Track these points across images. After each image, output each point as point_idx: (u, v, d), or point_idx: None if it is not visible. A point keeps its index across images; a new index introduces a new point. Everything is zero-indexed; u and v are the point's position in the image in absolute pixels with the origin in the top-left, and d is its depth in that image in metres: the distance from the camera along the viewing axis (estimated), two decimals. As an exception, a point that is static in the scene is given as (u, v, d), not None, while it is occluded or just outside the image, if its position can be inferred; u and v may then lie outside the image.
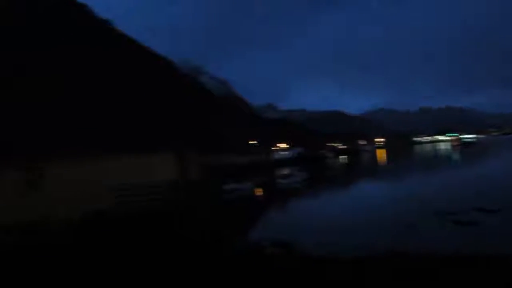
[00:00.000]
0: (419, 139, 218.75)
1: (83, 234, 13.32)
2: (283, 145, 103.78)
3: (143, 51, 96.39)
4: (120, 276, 7.97)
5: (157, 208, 24.13)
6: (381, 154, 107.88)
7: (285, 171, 54.41)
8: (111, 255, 9.87)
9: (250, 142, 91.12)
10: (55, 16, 73.31)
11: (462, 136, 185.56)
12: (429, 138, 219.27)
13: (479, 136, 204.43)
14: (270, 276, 7.88)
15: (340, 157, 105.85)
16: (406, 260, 8.60)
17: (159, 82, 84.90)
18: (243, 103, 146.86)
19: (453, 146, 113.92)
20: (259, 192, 32.04)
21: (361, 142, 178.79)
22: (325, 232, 14.16)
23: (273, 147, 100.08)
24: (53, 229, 13.55)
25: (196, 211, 23.99)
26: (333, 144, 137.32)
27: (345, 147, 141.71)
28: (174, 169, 42.58)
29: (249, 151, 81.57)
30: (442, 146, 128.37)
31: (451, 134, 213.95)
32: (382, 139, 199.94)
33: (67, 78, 57.63)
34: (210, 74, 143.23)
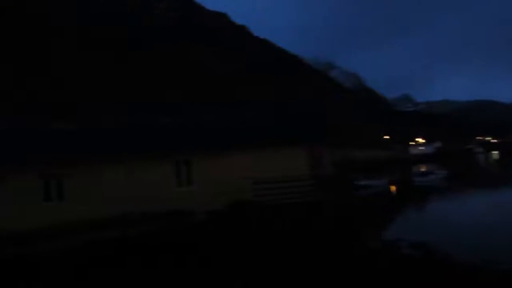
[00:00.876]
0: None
1: (227, 221, 14.97)
2: (421, 140, 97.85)
3: (275, 50, 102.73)
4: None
5: (294, 202, 25.83)
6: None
7: (423, 168, 51.93)
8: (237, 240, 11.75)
9: (384, 136, 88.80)
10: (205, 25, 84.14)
11: None
12: None
13: None
14: (406, 277, 7.94)
15: (492, 152, 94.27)
16: None
17: (291, 80, 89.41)
18: (376, 96, 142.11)
19: None
20: (393, 189, 31.90)
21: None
22: (466, 238, 13.33)
23: (410, 141, 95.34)
24: (199, 217, 15.31)
25: (329, 205, 24.79)
26: (483, 138, 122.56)
27: (498, 141, 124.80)
28: (308, 164, 45.06)
29: (383, 146, 79.92)
30: None
31: None
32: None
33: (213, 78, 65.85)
34: (340, 68, 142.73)
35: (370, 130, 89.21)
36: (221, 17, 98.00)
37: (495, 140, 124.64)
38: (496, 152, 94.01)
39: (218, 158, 18.51)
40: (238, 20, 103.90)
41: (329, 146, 53.78)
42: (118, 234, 12.77)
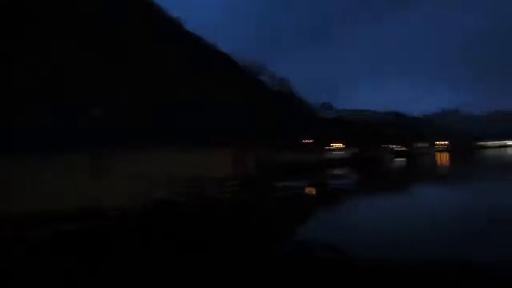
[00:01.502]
0: (488, 143, 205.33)
1: (143, 220, 14.60)
2: (339, 145, 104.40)
3: (205, 47, 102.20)
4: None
5: (212, 201, 24.34)
6: (442, 158, 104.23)
7: (339, 171, 55.18)
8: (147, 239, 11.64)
9: (305, 140, 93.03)
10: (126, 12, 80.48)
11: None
12: (498, 142, 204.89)
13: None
14: (318, 279, 8.12)
15: (397, 159, 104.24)
16: (455, 268, 8.65)
17: (220, 79, 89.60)
18: (301, 102, 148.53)
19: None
20: (310, 191, 33.23)
21: (422, 144, 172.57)
22: (378, 238, 13.95)
23: (328, 146, 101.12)
24: (115, 215, 14.71)
25: (246, 206, 24.69)
26: (390, 146, 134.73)
27: (404, 149, 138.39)
28: (230, 165, 45.55)
29: (304, 150, 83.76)
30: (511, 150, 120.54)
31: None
32: (444, 142, 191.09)
33: (132, 72, 63.26)
34: (270, 72, 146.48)
35: (293, 134, 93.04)
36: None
37: (402, 148, 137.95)
38: (402, 159, 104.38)
39: (138, 156, 17.99)
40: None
41: (254, 147, 55.20)
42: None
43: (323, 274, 8.65)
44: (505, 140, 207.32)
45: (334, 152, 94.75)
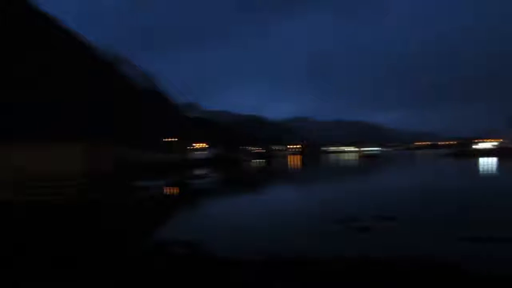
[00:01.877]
0: (331, 148, 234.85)
1: None
2: (202, 145, 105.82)
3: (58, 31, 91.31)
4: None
5: (61, 201, 22.90)
6: (295, 160, 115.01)
7: (200, 171, 55.83)
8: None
9: (169, 139, 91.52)
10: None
11: (369, 148, 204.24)
12: (340, 148, 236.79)
13: (384, 149, 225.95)
14: (170, 275, 8.22)
15: (256, 160, 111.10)
16: (308, 262, 9.19)
17: (77, 71, 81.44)
18: (167, 99, 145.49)
19: (360, 156, 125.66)
20: (171, 191, 32.80)
21: (278, 147, 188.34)
22: (233, 235, 14.43)
23: (192, 146, 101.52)
24: None
25: (101, 207, 23.56)
26: (250, 148, 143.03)
27: (262, 151, 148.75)
28: (84, 161, 41.86)
29: (166, 148, 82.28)
30: (351, 156, 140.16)
31: (357, 145, 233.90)
32: (297, 146, 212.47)
33: None
34: (135, 64, 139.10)
35: (156, 132, 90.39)
36: None
37: (260, 150, 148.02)
38: (260, 160, 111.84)
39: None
40: None
41: (112, 144, 51.72)
42: None
43: (179, 270, 8.78)
44: (344, 146, 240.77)
45: (197, 152, 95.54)
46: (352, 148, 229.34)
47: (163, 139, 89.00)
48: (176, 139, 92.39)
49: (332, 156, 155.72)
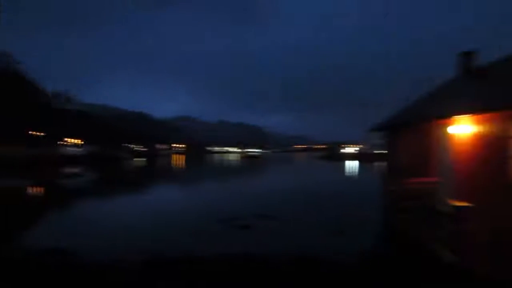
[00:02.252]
0: (215, 148, 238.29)
1: None
2: (76, 141, 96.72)
3: None
4: None
5: None
6: (179, 160, 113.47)
7: (72, 169, 51.05)
8: None
9: (36, 132, 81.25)
10: None
11: (250, 150, 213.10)
12: (224, 148, 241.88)
13: (264, 151, 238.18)
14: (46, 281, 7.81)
15: (137, 159, 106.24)
16: (191, 261, 9.31)
17: None
18: (33, 87, 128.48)
19: (242, 157, 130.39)
20: (36, 191, 29.12)
21: (162, 146, 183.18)
22: (111, 237, 13.65)
23: (64, 141, 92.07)
24: None
25: None
26: (131, 145, 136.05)
27: (144, 149, 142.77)
28: None
29: (33, 143, 72.92)
30: (232, 157, 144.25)
31: (240, 147, 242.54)
32: (182, 145, 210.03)
33: None
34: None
35: (19, 124, 79.12)
36: None
37: (142, 149, 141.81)
38: (142, 159, 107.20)
39: None
40: None
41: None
42: None
43: (51, 280, 8.15)
44: (228, 147, 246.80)
45: (70, 148, 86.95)
46: (235, 149, 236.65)
47: (29, 132, 78.63)
48: (44, 133, 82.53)
49: (216, 156, 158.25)
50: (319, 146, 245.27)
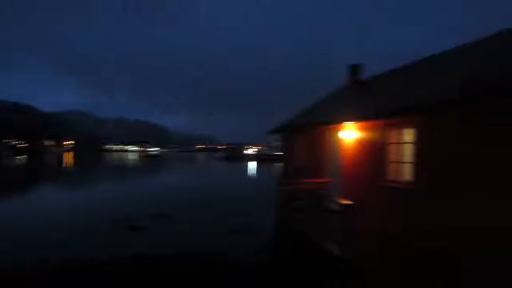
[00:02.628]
0: (111, 146, 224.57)
1: None
2: None
3: None
4: None
5: None
6: (68, 158, 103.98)
7: None
8: None
9: None
10: None
11: (149, 149, 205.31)
12: (121, 146, 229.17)
13: (165, 150, 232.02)
14: None
15: (18, 157, 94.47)
16: (83, 264, 8.94)
17: None
18: None
19: (139, 156, 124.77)
20: None
21: (49, 142, 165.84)
22: None
23: None
24: None
25: None
26: (10, 141, 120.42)
27: (27, 145, 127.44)
28: None
29: None
30: (131, 155, 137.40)
31: (139, 145, 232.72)
32: (71, 142, 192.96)
33: None
34: None
35: None
36: None
37: (24, 145, 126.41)
38: (23, 156, 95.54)
39: None
40: None
41: None
42: None
43: None
44: (127, 145, 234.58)
45: None
46: (134, 148, 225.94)
47: None
48: None
49: (114, 154, 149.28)
50: (222, 146, 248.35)
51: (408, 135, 8.97)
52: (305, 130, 14.68)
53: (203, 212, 18.86)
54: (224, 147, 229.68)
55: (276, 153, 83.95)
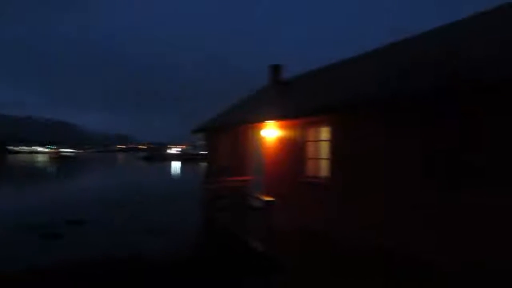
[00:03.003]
0: (19, 148, 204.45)
1: None
2: None
3: None
4: None
5: None
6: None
7: None
8: None
9: None
10: None
11: (62, 150, 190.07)
12: (31, 148, 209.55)
13: (79, 151, 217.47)
14: None
15: None
16: None
17: None
18: None
19: (52, 158, 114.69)
20: None
21: None
22: None
23: None
24: None
25: None
26: None
27: None
28: None
29: None
30: (42, 157, 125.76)
31: (51, 146, 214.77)
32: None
33: None
34: None
35: None
36: None
37: None
38: None
39: None
40: None
41: None
42: None
43: None
44: (36, 146, 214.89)
45: None
46: (46, 149, 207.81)
47: None
48: None
49: (22, 156, 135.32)
50: (143, 146, 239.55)
51: (325, 133, 9.44)
52: (228, 129, 14.71)
53: (121, 215, 17.98)
54: (146, 146, 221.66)
55: (201, 153, 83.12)
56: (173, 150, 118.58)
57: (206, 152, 18.84)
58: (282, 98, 14.26)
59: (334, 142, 8.93)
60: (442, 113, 6.21)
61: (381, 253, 7.17)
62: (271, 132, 11.70)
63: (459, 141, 5.94)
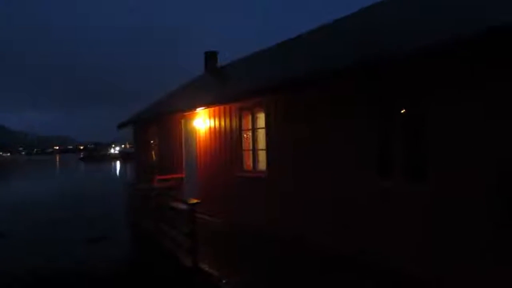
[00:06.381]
0: None
1: None
2: None
3: None
4: None
5: None
6: None
7: None
8: None
9: None
10: None
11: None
12: None
13: (5, 154, 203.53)
14: None
15: None
16: None
17: None
18: None
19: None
20: None
21: None
22: None
23: None
24: None
25: None
26: None
27: None
28: None
29: None
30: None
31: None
32: None
33: None
34: None
35: None
36: None
37: None
38: None
39: None
40: None
41: None
42: None
43: None
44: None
45: None
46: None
47: None
48: None
49: None
50: (83, 147, 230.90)
51: (261, 119, 8.30)
52: (158, 121, 13.06)
53: (49, 223, 16.02)
54: (85, 147, 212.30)
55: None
56: (113, 150, 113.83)
57: (134, 149, 17.14)
58: (216, 84, 12.97)
59: (269, 130, 7.83)
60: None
61: (340, 256, 6.14)
62: (204, 122, 10.33)
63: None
